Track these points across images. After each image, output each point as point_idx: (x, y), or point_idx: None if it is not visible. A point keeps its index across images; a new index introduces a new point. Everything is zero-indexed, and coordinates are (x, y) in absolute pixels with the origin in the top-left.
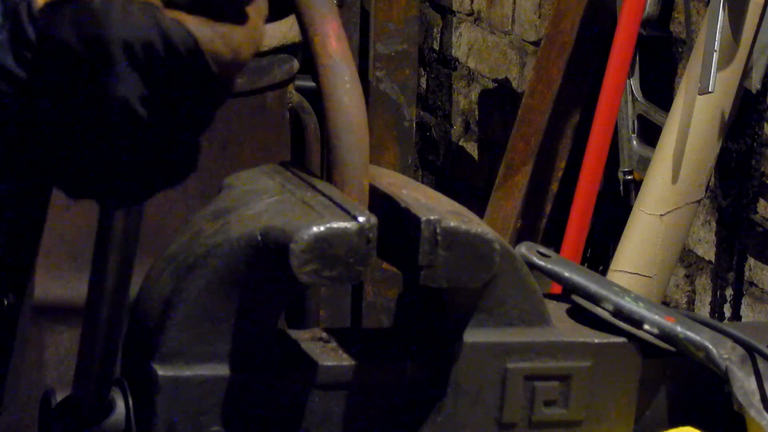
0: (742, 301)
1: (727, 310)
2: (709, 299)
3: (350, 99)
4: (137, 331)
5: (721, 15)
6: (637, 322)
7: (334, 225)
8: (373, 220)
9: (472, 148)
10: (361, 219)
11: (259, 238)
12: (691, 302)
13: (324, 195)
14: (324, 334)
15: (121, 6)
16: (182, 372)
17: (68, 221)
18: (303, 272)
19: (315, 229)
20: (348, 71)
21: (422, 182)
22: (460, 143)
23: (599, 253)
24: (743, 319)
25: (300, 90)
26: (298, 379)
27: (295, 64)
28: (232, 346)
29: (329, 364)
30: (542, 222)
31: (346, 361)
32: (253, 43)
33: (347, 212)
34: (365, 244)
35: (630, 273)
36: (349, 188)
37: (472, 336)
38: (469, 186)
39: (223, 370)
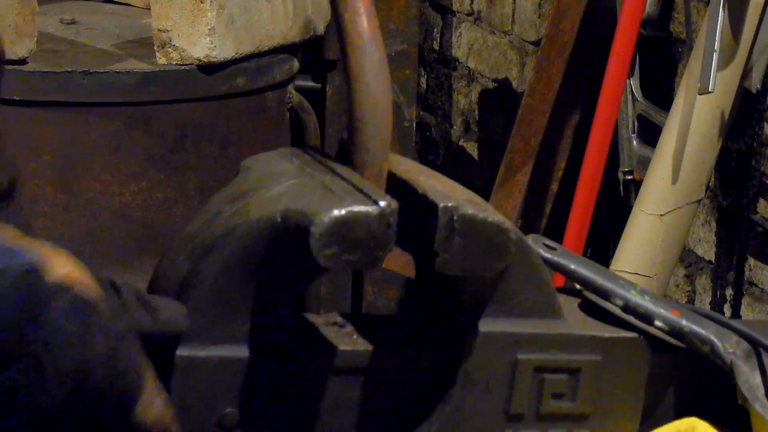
0: (742, 301)
1: (727, 310)
2: (709, 299)
3: (377, 83)
4: None
5: (721, 15)
6: (644, 316)
7: (355, 209)
8: (394, 204)
9: (472, 148)
10: (381, 203)
11: (279, 220)
12: (691, 302)
13: (344, 179)
14: (339, 319)
15: None
16: (198, 352)
17: (68, 221)
18: (323, 255)
19: (336, 212)
20: (377, 53)
21: None
22: (460, 143)
23: (599, 253)
24: (744, 318)
25: (300, 90)
26: (314, 362)
27: (295, 64)
28: (249, 328)
29: (345, 348)
30: (542, 222)
31: (361, 346)
32: None
33: (368, 196)
34: (385, 229)
35: (630, 273)
36: (368, 172)
37: (484, 326)
38: (469, 186)
39: (238, 351)
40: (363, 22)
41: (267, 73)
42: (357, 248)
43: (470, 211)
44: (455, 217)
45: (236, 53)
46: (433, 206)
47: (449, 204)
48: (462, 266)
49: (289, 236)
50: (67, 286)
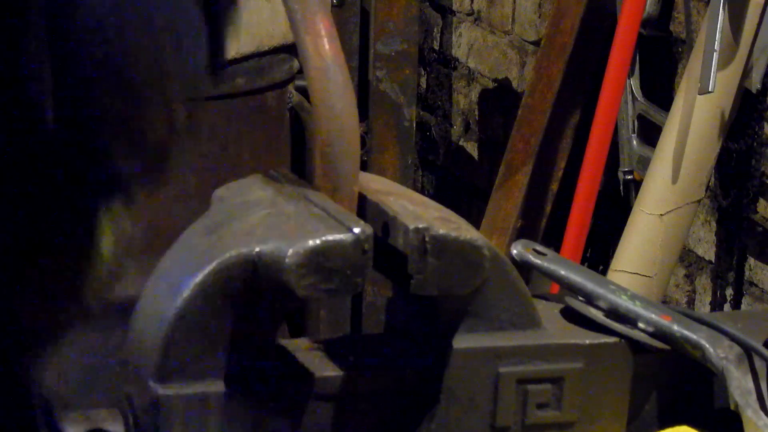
0: (742, 301)
1: (727, 310)
2: (709, 299)
3: (343, 105)
4: (135, 350)
5: (721, 15)
6: (633, 321)
7: (330, 237)
8: (369, 230)
9: (472, 148)
10: (356, 230)
11: (255, 252)
12: (691, 302)
13: (317, 206)
14: (318, 344)
15: None
16: (182, 390)
17: None
18: (300, 286)
19: (310, 242)
20: (341, 75)
21: (422, 182)
22: (460, 143)
23: (599, 253)
24: (737, 310)
25: (300, 90)
26: (297, 390)
27: (295, 64)
28: (231, 361)
29: (326, 374)
30: (542, 222)
31: (341, 371)
32: None
33: (342, 224)
34: (361, 255)
35: (630, 273)
36: (339, 196)
37: (464, 341)
38: (469, 186)
39: (220, 386)
40: (325, 44)
41: (267, 73)
42: (334, 276)
43: (441, 231)
44: (427, 238)
45: (236, 53)
46: (405, 228)
47: (420, 225)
48: (437, 286)
49: (265, 268)
50: None
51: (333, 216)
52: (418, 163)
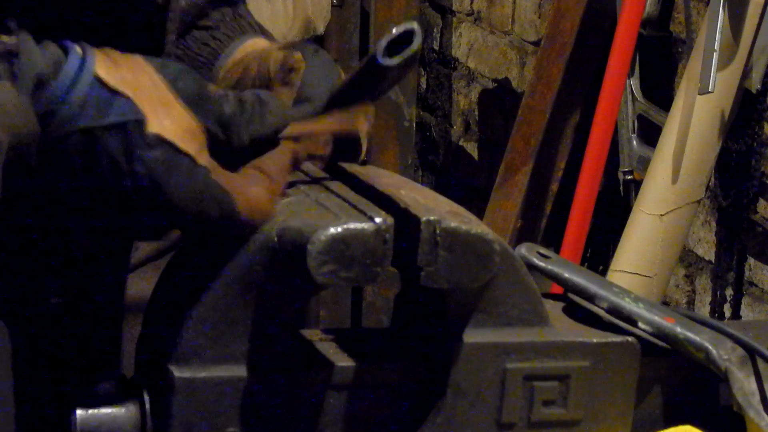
0: (742, 301)
1: (727, 310)
2: (709, 299)
3: None
4: (153, 333)
5: (721, 15)
6: (636, 323)
7: (351, 226)
8: (390, 220)
9: (472, 148)
10: (377, 220)
11: (276, 239)
12: (691, 302)
13: (338, 195)
14: (333, 335)
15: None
16: (198, 373)
17: None
18: (320, 273)
19: (332, 230)
20: None
21: (422, 182)
22: (460, 143)
23: (599, 253)
24: (743, 319)
25: None
26: (314, 379)
27: None
28: (248, 347)
29: (343, 364)
30: (542, 222)
31: (357, 361)
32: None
33: (363, 213)
34: (382, 245)
35: (630, 273)
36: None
37: (472, 336)
38: (469, 186)
39: (239, 371)
40: None
41: None
42: (354, 265)
43: (453, 224)
44: (438, 231)
45: None
46: (416, 220)
47: (432, 217)
48: (447, 279)
49: (286, 255)
50: (161, 140)
51: (354, 205)
52: (418, 163)
